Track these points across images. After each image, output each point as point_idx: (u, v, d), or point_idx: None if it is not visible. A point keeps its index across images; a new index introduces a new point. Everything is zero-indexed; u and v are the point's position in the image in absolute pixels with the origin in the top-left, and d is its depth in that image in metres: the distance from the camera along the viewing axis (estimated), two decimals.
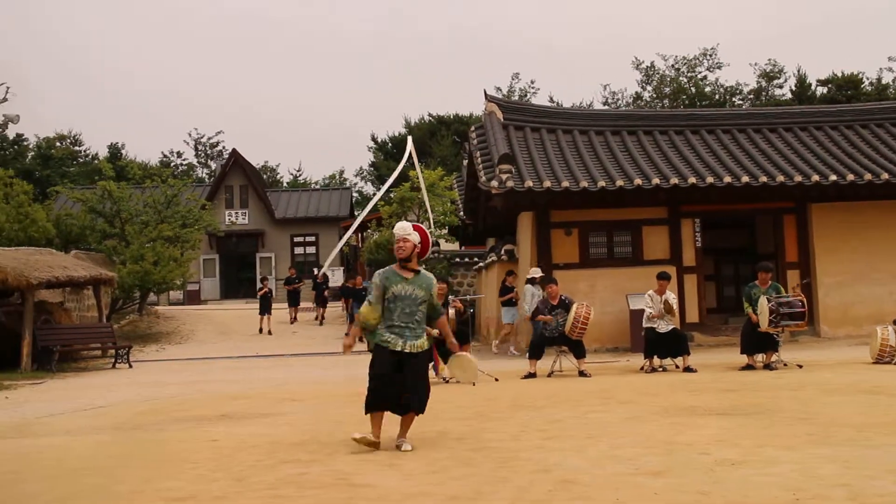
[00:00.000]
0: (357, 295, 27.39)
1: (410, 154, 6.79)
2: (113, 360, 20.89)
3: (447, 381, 13.94)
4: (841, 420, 8.49)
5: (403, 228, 7.87)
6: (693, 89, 57.05)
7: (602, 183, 19.17)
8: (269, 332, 27.43)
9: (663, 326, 14.73)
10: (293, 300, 29.93)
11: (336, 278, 37.72)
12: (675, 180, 19.29)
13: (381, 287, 7.71)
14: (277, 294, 34.55)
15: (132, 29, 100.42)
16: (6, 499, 6.42)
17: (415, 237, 7.82)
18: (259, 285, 29.61)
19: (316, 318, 29.85)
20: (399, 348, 7.59)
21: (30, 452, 8.46)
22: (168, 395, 13.68)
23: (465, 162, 26.34)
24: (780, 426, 8.28)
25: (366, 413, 7.66)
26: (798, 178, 19.53)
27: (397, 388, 7.54)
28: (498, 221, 22.57)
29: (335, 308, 30.82)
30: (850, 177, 19.57)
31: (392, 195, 29.87)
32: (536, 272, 18.39)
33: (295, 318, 29.69)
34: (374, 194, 61.56)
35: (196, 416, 10.77)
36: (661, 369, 14.74)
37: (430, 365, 14.01)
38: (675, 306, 15.05)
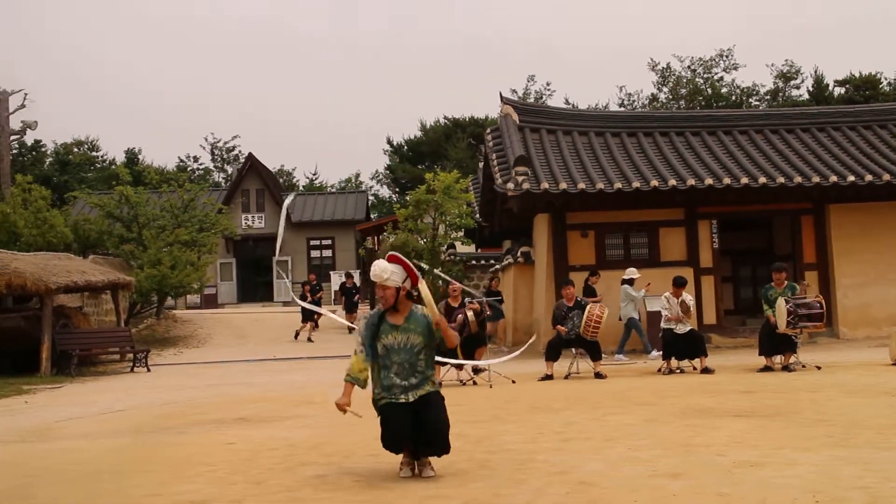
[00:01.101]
0: (349, 293, 27.42)
1: None
2: (131, 363, 20.97)
3: (464, 384, 13.96)
4: (860, 422, 8.43)
5: (379, 273, 6.57)
6: (709, 90, 56.80)
7: (618, 184, 19.13)
8: (296, 337, 26.73)
9: (681, 328, 14.69)
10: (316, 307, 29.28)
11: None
12: (691, 181, 19.22)
13: (369, 336, 6.61)
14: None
15: (148, 36, 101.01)
16: (26, 501, 6.46)
17: (395, 278, 6.60)
18: (300, 291, 28.40)
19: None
20: (404, 400, 6.53)
21: (48, 456, 8.51)
22: (185, 399, 13.72)
23: (481, 164, 26.30)
24: (799, 428, 8.24)
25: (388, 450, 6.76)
26: (816, 179, 19.43)
27: (413, 437, 6.56)
28: (514, 223, 22.54)
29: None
30: (869, 177, 19.44)
31: (408, 197, 29.84)
32: (633, 272, 18.25)
33: (316, 325, 28.51)
34: (390, 197, 61.89)
35: (213, 420, 10.81)
36: (678, 371, 14.69)
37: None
38: (693, 308, 15.00)
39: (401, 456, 6.72)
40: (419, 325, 6.63)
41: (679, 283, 15.12)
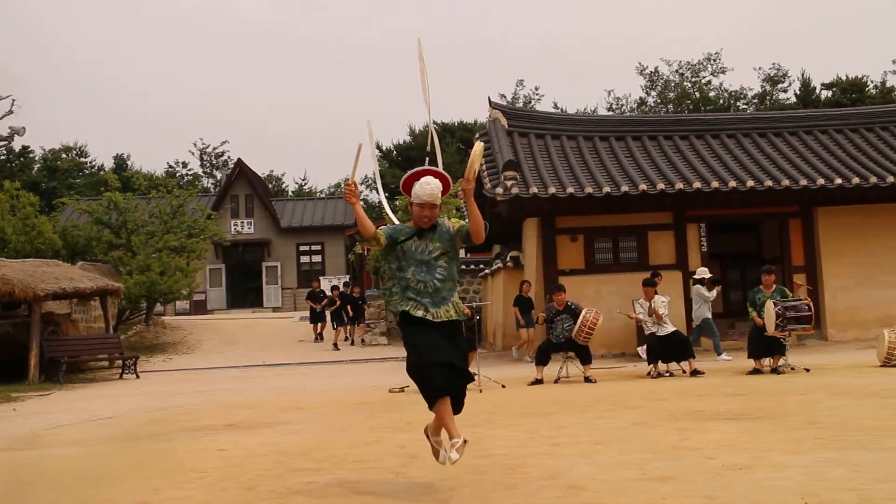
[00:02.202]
0: (354, 302, 26.72)
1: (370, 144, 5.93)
2: (120, 370, 20.91)
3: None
4: (849, 424, 8.47)
5: (432, 191, 6.19)
6: (697, 94, 57.06)
7: (607, 189, 19.18)
8: (335, 343, 25.74)
9: (663, 330, 14.69)
10: (318, 316, 27.55)
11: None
12: (680, 185, 19.28)
13: (389, 234, 6.26)
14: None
15: (136, 39, 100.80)
16: None
17: (439, 196, 6.26)
18: (329, 294, 27.40)
19: (347, 339, 26.66)
20: (420, 315, 6.14)
21: (38, 464, 8.48)
22: (175, 405, 13.70)
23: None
24: (788, 430, 8.26)
25: (431, 408, 6.13)
26: (803, 182, 19.51)
27: (448, 356, 6.03)
28: (503, 228, 22.56)
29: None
30: (856, 180, 19.54)
31: (398, 203, 29.79)
32: (704, 272, 18.16)
33: (320, 335, 27.42)
34: (379, 203, 61.72)
35: (203, 426, 10.79)
36: (667, 374, 14.72)
37: None
38: (663, 311, 14.91)
39: (437, 435, 6.24)
40: (442, 232, 6.28)
41: (647, 284, 15.15)
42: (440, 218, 6.38)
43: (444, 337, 6.09)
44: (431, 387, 6.01)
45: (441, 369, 5.96)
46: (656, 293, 15.02)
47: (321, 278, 41.90)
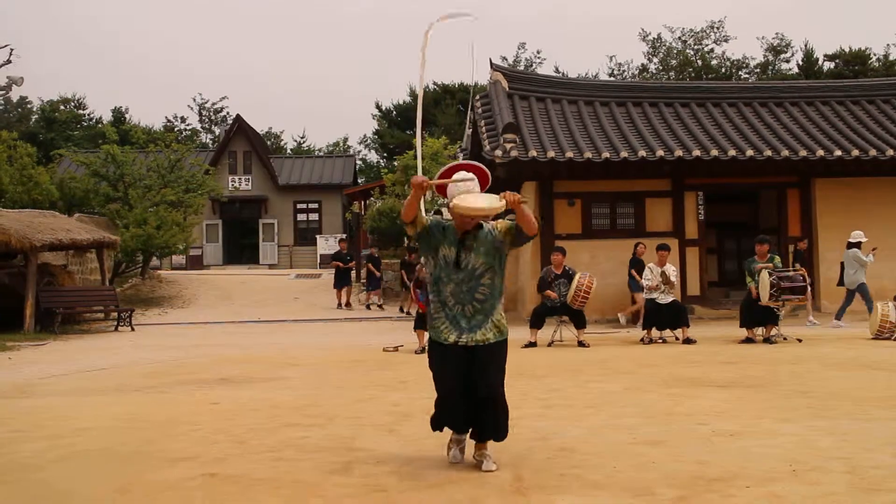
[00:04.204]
0: (375, 262, 25.01)
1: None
2: (115, 323, 20.97)
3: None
4: (840, 394, 8.53)
5: (469, 197, 5.51)
6: (699, 62, 56.71)
7: (606, 154, 19.13)
8: (368, 307, 24.76)
9: (663, 298, 14.76)
10: (343, 280, 25.42)
11: (331, 245, 36.73)
12: (679, 153, 19.24)
13: (434, 230, 5.64)
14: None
15: None
16: (8, 456, 6.47)
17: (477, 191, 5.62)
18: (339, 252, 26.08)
19: (402, 309, 23.63)
20: (452, 341, 5.62)
21: (32, 412, 8.52)
22: (170, 359, 13.75)
23: (470, 131, 26.22)
24: (779, 399, 8.32)
25: (433, 430, 5.96)
26: (803, 153, 19.48)
27: (464, 395, 5.66)
28: (501, 191, 22.52)
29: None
30: (855, 152, 19.50)
31: (395, 163, 29.73)
32: (860, 235, 17.53)
33: (348, 301, 25.35)
34: (378, 162, 61.59)
35: (197, 380, 10.84)
36: (660, 341, 14.78)
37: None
38: (675, 279, 15.03)
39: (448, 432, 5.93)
40: (486, 240, 5.59)
41: (662, 248, 15.20)
42: (484, 225, 5.69)
43: (474, 362, 5.65)
44: (447, 421, 5.84)
45: (456, 410, 5.72)
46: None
47: (318, 237, 41.95)
